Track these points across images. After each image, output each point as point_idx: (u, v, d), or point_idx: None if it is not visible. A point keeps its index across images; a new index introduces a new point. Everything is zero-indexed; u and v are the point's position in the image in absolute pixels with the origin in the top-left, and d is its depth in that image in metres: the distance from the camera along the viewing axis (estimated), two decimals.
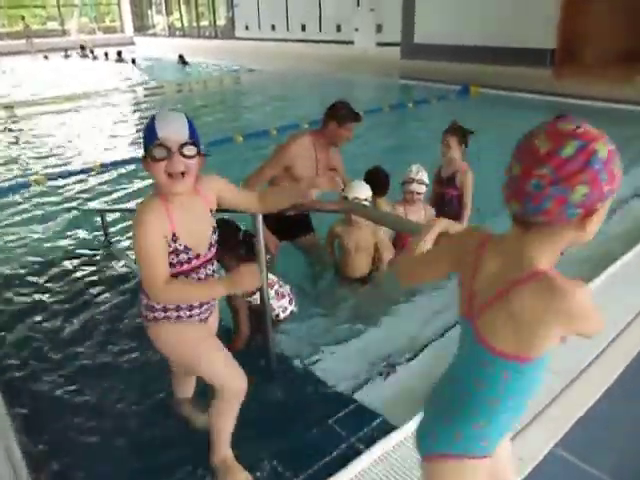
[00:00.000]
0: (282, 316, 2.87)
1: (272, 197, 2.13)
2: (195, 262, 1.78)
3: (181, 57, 17.61)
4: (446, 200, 3.74)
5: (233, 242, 2.64)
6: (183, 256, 1.75)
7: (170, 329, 1.87)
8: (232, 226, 2.73)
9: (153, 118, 1.66)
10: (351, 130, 3.27)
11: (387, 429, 2.12)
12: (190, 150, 1.63)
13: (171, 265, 1.73)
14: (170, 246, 1.71)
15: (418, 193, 3.51)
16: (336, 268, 3.56)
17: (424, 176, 3.52)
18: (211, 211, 1.85)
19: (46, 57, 21.47)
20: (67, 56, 22.12)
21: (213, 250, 1.87)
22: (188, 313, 1.87)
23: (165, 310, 1.85)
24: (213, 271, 1.90)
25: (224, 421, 1.97)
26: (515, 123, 7.99)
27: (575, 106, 8.79)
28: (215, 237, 1.87)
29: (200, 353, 1.89)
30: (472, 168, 3.76)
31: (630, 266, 3.28)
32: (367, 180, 3.39)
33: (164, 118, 1.66)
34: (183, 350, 1.91)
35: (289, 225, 3.43)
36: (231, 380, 1.90)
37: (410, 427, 2.07)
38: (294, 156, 3.23)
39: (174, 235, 1.70)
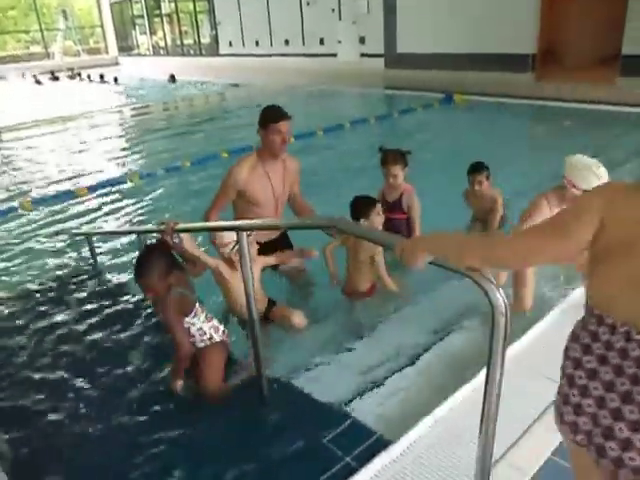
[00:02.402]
0: (216, 337, 2.70)
1: None
2: None
3: (172, 76, 18.07)
4: (395, 224, 3.61)
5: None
6: None
7: None
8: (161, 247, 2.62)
9: None
10: (278, 132, 3.04)
11: (382, 444, 2.10)
12: None
13: None
14: None
15: None
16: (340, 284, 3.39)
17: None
18: None
19: (38, 82, 21.29)
20: (55, 78, 21.95)
21: None
22: None
23: None
24: None
25: None
26: (499, 128, 8.08)
27: (557, 108, 8.89)
28: None
29: None
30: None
31: None
32: (353, 209, 3.21)
33: None
34: None
35: (271, 251, 3.22)
36: None
37: (405, 441, 2.05)
38: (243, 180, 3.12)
39: None
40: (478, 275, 1.34)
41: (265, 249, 3.19)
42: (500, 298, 1.33)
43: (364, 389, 2.58)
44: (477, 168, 3.91)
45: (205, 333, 2.66)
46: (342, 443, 2.19)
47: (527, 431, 2.06)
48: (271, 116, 3.07)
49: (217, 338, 2.70)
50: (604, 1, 11.17)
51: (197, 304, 2.66)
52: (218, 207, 3.24)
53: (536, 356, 2.50)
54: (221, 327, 2.77)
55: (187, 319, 2.59)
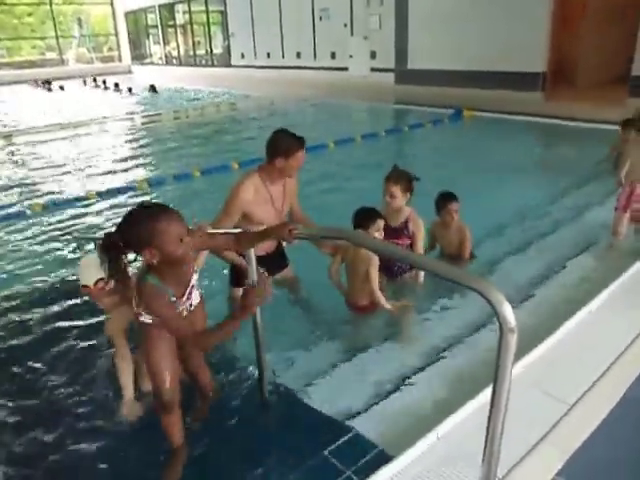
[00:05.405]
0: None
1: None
2: None
3: (152, 86, 18.52)
4: None
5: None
6: None
7: None
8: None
9: None
10: (301, 158, 3.07)
11: (384, 459, 2.07)
12: None
13: None
14: None
15: None
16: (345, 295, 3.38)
17: None
18: None
19: (62, 87, 21.40)
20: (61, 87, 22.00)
21: None
22: None
23: None
24: None
25: None
26: (507, 145, 8.08)
27: (566, 128, 8.89)
28: None
29: None
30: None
31: (629, 287, 3.26)
32: (354, 219, 3.20)
33: None
34: None
35: (264, 262, 3.06)
36: None
37: (407, 457, 2.03)
38: (246, 203, 3.07)
39: None
40: (486, 288, 1.33)
41: (261, 263, 3.14)
42: (509, 312, 1.31)
43: (366, 402, 2.56)
44: (452, 196, 3.68)
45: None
46: (343, 456, 2.17)
47: (531, 451, 2.03)
48: (295, 145, 3.05)
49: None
50: (615, 22, 11.25)
51: None
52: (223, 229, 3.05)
53: (541, 374, 2.48)
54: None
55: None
